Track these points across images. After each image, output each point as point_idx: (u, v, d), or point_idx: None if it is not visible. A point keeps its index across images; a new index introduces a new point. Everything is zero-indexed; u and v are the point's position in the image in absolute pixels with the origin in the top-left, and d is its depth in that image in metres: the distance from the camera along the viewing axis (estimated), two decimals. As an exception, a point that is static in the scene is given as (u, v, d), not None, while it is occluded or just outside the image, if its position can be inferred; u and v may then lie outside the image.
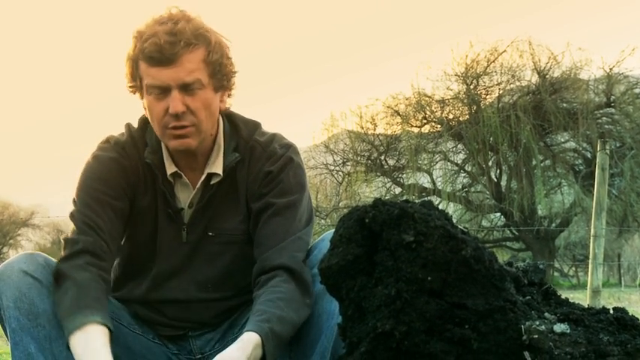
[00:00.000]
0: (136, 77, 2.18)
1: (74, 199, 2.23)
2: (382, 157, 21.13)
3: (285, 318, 2.02)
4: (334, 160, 21.85)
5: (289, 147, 2.29)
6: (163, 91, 2.12)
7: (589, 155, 19.35)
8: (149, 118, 2.20)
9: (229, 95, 2.27)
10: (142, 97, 2.20)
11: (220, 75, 2.18)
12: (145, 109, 2.21)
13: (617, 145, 18.48)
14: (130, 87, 2.21)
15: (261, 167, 2.24)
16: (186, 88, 2.11)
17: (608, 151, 6.83)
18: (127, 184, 2.23)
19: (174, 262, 2.27)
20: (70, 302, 2.01)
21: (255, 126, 2.31)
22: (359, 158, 21.21)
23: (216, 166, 2.24)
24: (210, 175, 2.24)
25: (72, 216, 2.20)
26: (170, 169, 2.24)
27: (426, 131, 20.65)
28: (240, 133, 2.28)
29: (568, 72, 19.32)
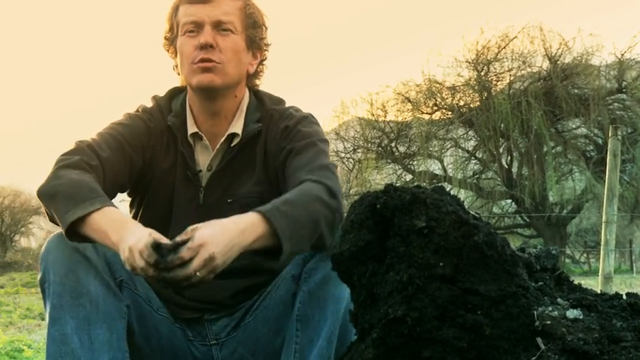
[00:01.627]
0: (173, 25, 2.29)
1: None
2: (393, 144, 21.10)
3: (294, 201, 1.97)
4: (345, 148, 21.83)
5: (307, 114, 2.36)
6: (197, 27, 2.22)
7: (600, 141, 19.28)
8: (179, 62, 2.28)
9: (260, 70, 2.38)
10: (175, 54, 2.30)
11: (254, 31, 2.30)
12: (175, 67, 2.33)
13: (629, 131, 18.41)
14: (165, 40, 2.33)
15: (278, 127, 2.30)
16: (218, 27, 2.23)
17: (619, 137, 6.79)
18: (147, 143, 2.28)
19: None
20: (80, 192, 1.98)
21: (279, 101, 2.40)
22: (369, 145, 21.20)
23: (237, 127, 2.31)
24: (231, 138, 2.30)
25: (86, 140, 2.20)
26: (191, 129, 2.31)
27: (437, 118, 20.60)
28: (265, 106, 2.36)
29: (579, 58, 19.19)
